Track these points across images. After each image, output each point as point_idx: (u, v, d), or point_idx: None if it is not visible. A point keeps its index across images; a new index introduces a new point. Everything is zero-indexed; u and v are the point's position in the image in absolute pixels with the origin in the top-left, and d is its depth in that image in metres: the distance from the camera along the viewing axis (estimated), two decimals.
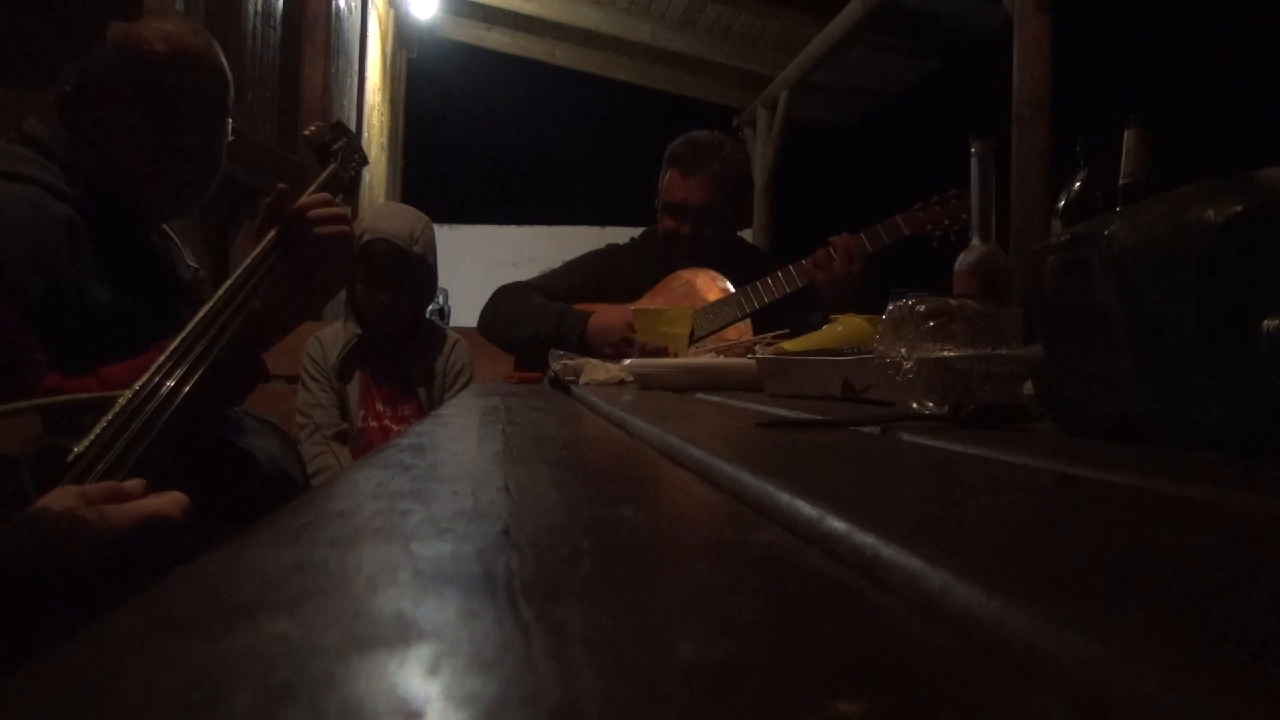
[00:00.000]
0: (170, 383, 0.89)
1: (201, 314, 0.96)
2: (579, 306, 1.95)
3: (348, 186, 1.29)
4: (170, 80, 1.14)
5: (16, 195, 0.99)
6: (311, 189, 1.19)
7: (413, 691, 0.14)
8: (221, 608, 0.19)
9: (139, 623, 0.18)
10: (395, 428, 1.97)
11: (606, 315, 1.84)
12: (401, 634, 0.17)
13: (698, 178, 1.96)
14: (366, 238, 1.93)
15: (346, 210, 1.15)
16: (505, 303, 2.01)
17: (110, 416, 0.83)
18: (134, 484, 0.76)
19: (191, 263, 1.30)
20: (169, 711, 0.13)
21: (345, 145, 1.31)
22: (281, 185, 1.10)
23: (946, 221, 1.71)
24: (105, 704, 0.14)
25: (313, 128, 1.32)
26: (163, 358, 0.90)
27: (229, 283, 1.00)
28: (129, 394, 0.86)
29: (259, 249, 1.05)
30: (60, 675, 0.15)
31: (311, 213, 1.09)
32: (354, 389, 1.99)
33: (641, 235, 2.15)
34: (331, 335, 2.04)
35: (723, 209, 1.98)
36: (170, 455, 0.88)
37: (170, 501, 0.75)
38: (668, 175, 2.01)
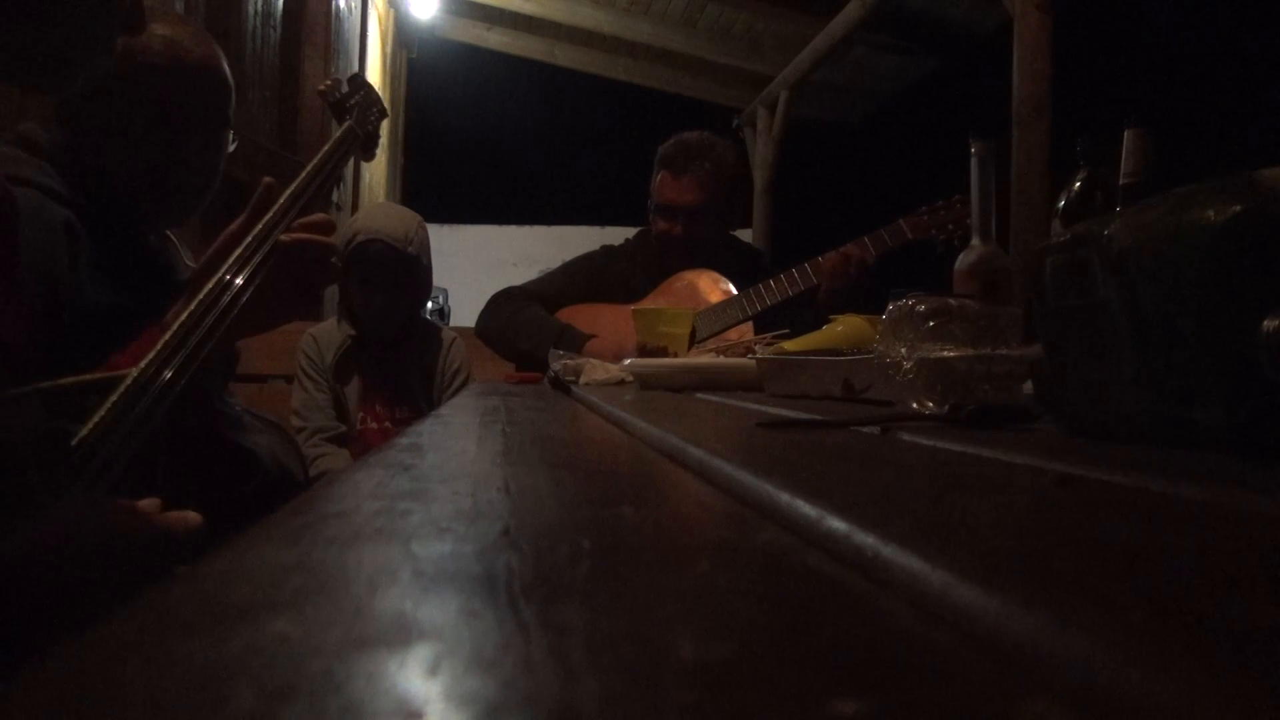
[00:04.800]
0: (171, 368, 0.88)
1: (202, 294, 0.94)
2: (575, 310, 1.95)
3: (365, 143, 1.24)
4: (172, 91, 1.12)
5: (7, 191, 0.98)
6: (326, 149, 1.15)
7: (413, 691, 0.14)
8: (222, 608, 0.19)
9: (140, 623, 0.18)
10: (394, 429, 1.97)
11: (604, 342, 1.83)
12: (401, 634, 0.17)
13: (688, 178, 1.96)
14: (361, 238, 1.91)
15: (333, 242, 1.07)
16: (503, 312, 2.01)
17: (113, 400, 0.83)
18: (148, 504, 0.79)
19: (190, 263, 1.30)
20: (170, 712, 0.13)
21: (363, 99, 1.25)
22: (268, 179, 1.04)
23: (950, 226, 1.71)
24: (106, 705, 0.14)
25: (328, 82, 1.26)
26: (166, 337, 0.89)
27: (228, 263, 0.97)
28: (131, 377, 0.85)
29: (250, 238, 0.99)
30: (61, 676, 0.15)
31: (301, 235, 1.03)
32: (352, 391, 1.98)
33: (636, 236, 2.16)
34: (327, 333, 2.02)
35: (715, 208, 1.98)
36: (174, 451, 0.88)
37: (180, 519, 0.79)
38: (659, 177, 2.01)
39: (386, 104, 1.32)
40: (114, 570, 0.71)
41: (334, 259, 1.06)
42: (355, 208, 4.00)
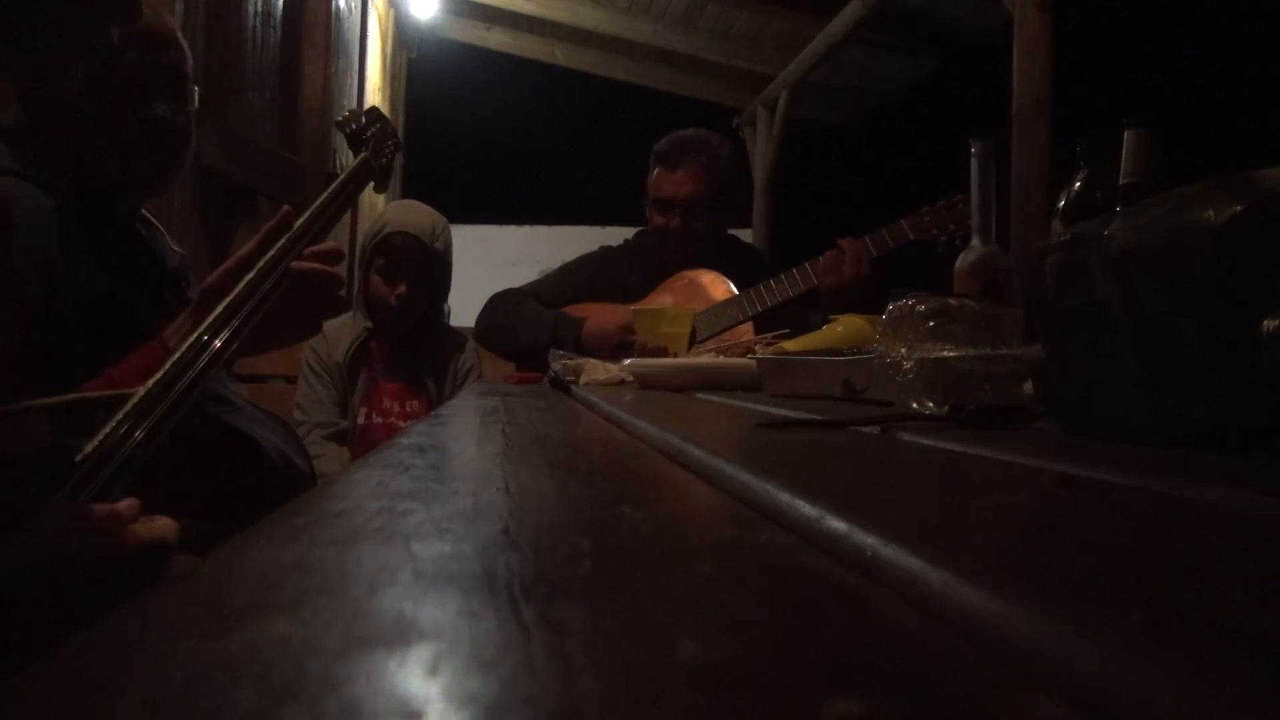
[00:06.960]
0: (182, 384, 0.89)
1: (212, 317, 0.95)
2: (573, 309, 1.95)
3: (380, 175, 1.26)
4: (128, 57, 1.12)
5: (3, 190, 0.99)
6: (340, 179, 1.17)
7: (413, 691, 0.14)
8: (222, 608, 0.19)
9: (140, 623, 0.18)
10: (403, 425, 1.97)
11: (601, 320, 1.84)
12: (401, 634, 0.17)
13: (683, 171, 1.97)
14: (387, 230, 1.95)
15: (342, 275, 1.09)
16: (500, 310, 2.02)
17: (120, 416, 0.83)
18: (126, 505, 0.80)
19: (177, 249, 1.31)
20: (170, 712, 0.13)
21: (378, 132, 1.28)
22: (287, 207, 1.06)
23: (951, 226, 1.71)
24: (106, 704, 0.14)
25: (346, 113, 1.29)
26: (175, 358, 0.90)
27: (239, 287, 0.99)
28: (140, 393, 0.86)
29: (261, 263, 1.01)
30: (61, 676, 0.15)
31: (312, 264, 1.04)
32: (362, 385, 1.99)
33: (634, 236, 2.16)
34: (337, 329, 2.02)
35: (710, 201, 1.98)
36: (177, 437, 0.88)
37: (162, 527, 0.80)
38: (654, 172, 2.02)
39: (386, 104, 1.34)
40: (90, 583, 0.73)
41: (341, 290, 1.07)
42: (355, 208, 4.01)
